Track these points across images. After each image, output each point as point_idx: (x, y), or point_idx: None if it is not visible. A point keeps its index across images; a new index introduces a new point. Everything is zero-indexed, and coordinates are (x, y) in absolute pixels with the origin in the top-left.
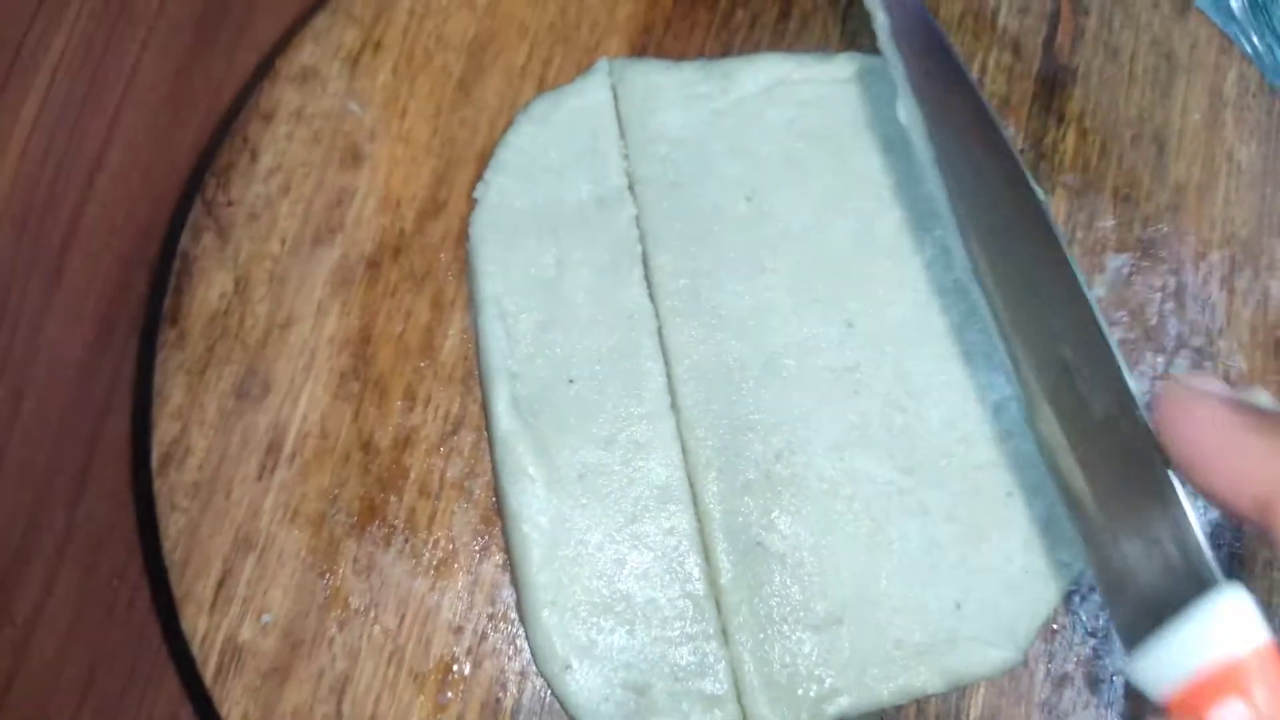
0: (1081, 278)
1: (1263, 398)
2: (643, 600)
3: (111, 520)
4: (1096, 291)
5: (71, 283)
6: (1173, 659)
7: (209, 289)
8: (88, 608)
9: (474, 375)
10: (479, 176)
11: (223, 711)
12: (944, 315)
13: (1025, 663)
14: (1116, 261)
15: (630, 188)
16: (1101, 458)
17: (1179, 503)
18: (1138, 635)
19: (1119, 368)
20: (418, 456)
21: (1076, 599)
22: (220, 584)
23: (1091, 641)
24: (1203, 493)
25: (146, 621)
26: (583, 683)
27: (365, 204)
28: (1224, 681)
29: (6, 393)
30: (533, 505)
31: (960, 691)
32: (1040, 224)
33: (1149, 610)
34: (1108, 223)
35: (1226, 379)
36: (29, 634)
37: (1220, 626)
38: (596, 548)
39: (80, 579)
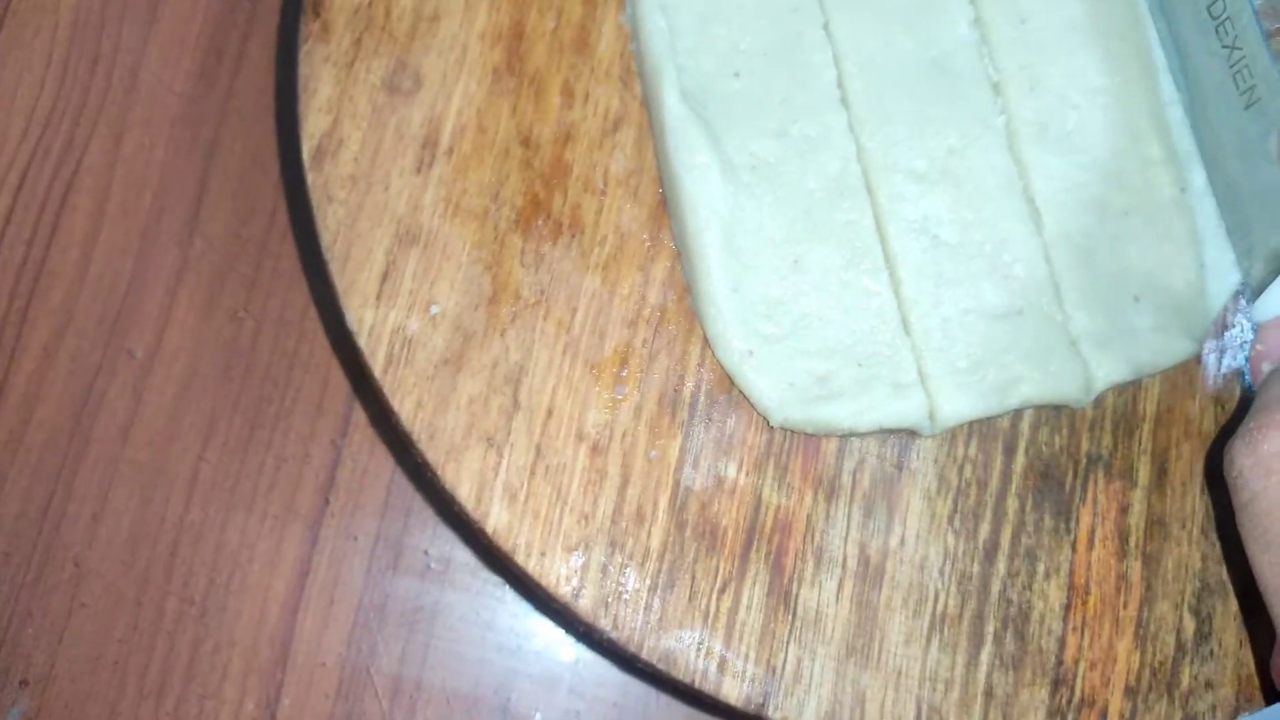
0: None
1: None
2: (822, 290)
3: (228, 259)
4: None
5: (170, 16)
6: None
7: None
8: (206, 347)
9: (632, 73)
10: None
11: (394, 402)
12: (1117, 14)
13: (1199, 357)
14: None
15: None
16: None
17: None
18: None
19: None
20: (580, 152)
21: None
22: (384, 277)
23: None
24: None
25: (273, 358)
26: (764, 369)
27: None
28: None
29: (106, 133)
30: (709, 192)
31: (1135, 386)
32: None
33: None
34: None
35: None
36: (147, 373)
37: None
38: (773, 238)
39: (197, 317)
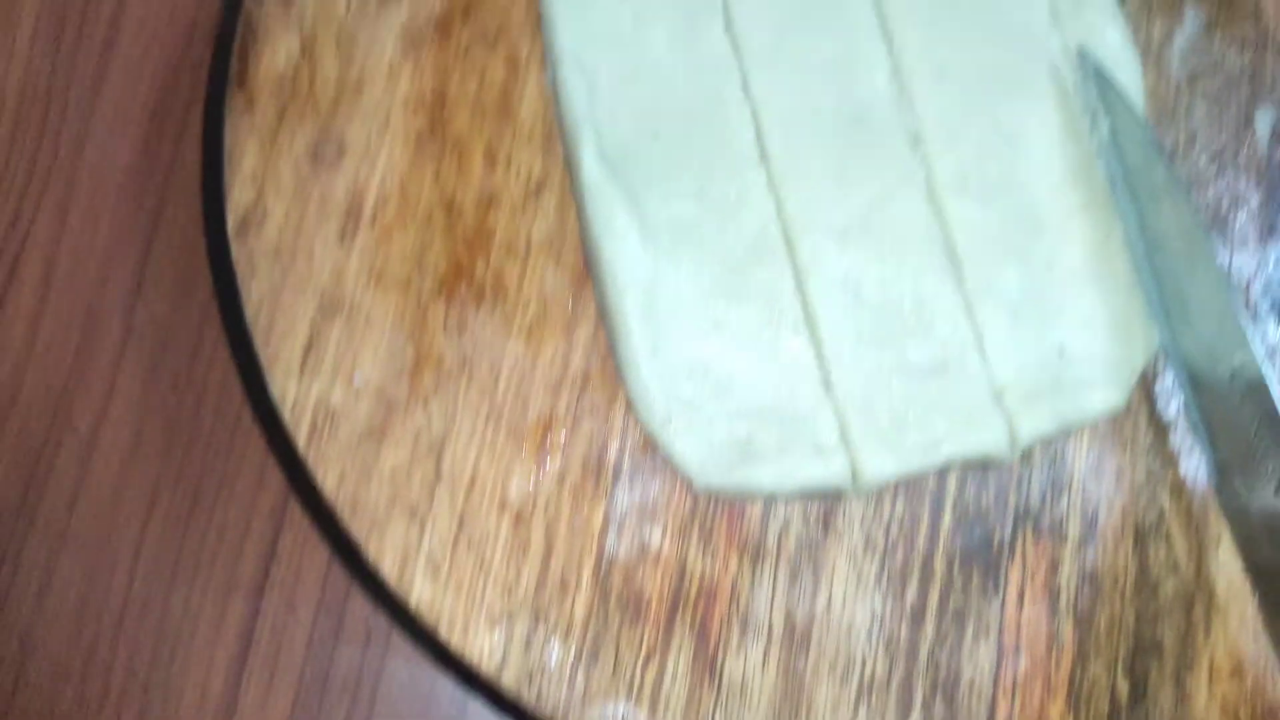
0: None
1: None
2: (743, 352)
3: (170, 329)
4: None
5: (115, 88)
6: None
7: (275, 53)
8: (149, 418)
9: (554, 136)
10: None
11: (318, 476)
12: (1036, 62)
13: (1129, 409)
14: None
15: None
16: None
17: None
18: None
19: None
20: (502, 217)
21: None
22: (308, 348)
23: None
24: None
25: (214, 427)
26: (686, 435)
27: None
28: None
29: (52, 206)
30: (627, 256)
31: (1065, 440)
32: None
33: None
34: None
35: None
36: (92, 445)
37: None
38: (694, 300)
39: (141, 388)
